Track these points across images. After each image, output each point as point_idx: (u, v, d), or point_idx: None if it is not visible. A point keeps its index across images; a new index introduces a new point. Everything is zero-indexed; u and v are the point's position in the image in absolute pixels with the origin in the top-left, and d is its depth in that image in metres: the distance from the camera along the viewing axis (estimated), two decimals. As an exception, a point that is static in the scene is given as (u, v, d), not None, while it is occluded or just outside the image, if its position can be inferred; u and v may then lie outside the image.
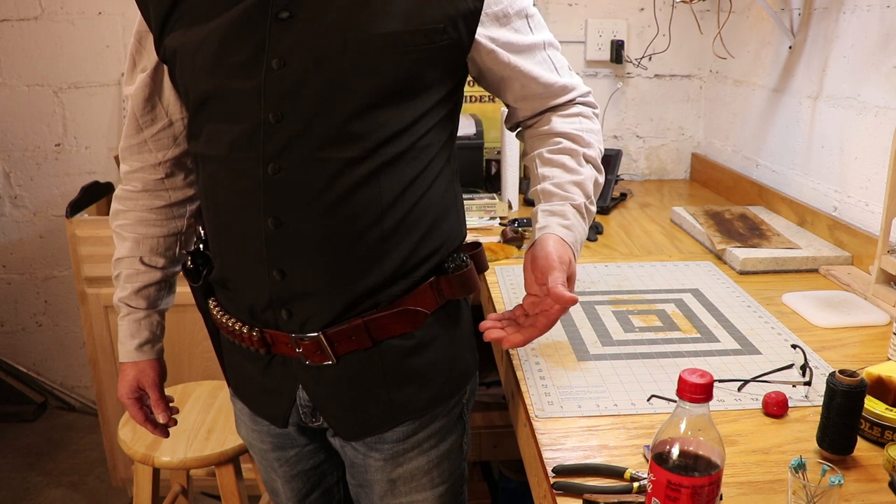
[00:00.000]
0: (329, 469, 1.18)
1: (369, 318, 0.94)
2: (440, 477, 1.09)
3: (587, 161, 1.04)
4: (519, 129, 1.13)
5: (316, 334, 0.95)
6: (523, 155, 1.12)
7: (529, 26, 1.00)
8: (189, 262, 1.10)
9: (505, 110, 1.12)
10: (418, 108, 0.92)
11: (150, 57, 0.99)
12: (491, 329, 0.98)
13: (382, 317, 0.95)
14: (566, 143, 1.03)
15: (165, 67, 0.99)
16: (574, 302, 0.89)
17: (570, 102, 1.06)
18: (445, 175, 0.99)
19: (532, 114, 1.07)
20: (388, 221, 0.92)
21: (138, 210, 1.11)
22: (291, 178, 0.88)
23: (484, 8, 0.93)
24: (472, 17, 0.93)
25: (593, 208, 1.03)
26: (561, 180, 1.00)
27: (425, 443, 1.06)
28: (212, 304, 1.07)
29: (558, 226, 0.96)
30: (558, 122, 1.04)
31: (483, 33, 0.95)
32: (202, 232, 1.12)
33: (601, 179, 1.05)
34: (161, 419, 1.19)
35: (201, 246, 1.12)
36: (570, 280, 0.93)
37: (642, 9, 2.31)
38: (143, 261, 1.12)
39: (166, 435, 1.23)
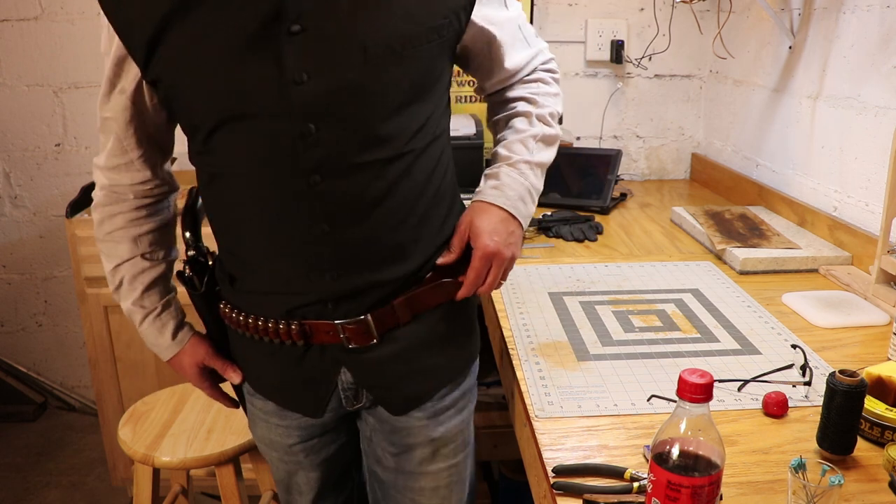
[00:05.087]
0: (349, 451, 1.21)
1: (410, 294, 1.01)
2: (468, 438, 1.18)
3: (539, 119, 1.08)
4: (485, 94, 1.17)
5: (363, 317, 1.00)
6: (487, 120, 1.17)
7: (507, 2, 1.05)
8: (187, 271, 1.09)
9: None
10: (433, 100, 0.99)
11: (131, 79, 0.95)
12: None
13: (421, 292, 1.02)
14: (521, 106, 1.09)
15: (146, 89, 0.96)
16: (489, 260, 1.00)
17: (533, 71, 1.12)
18: (449, 154, 1.07)
19: (500, 87, 1.12)
20: (421, 207, 1.00)
21: (127, 211, 1.08)
22: (334, 186, 0.92)
23: None
24: (470, 4, 0.97)
25: (539, 157, 1.07)
26: (509, 140, 1.06)
27: (460, 401, 1.13)
28: (225, 308, 1.07)
29: (489, 189, 1.03)
30: (518, 89, 1.10)
31: (475, 13, 0.99)
32: (188, 236, 1.12)
33: (550, 132, 1.09)
34: (237, 379, 1.15)
35: (191, 252, 1.11)
36: (493, 239, 1.01)
37: (642, 9, 2.31)
38: (144, 257, 1.10)
39: (238, 405, 1.23)
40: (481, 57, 1.06)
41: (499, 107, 1.12)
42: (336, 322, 1.00)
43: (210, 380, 1.18)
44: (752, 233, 1.72)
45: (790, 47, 1.89)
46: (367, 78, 0.89)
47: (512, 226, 1.02)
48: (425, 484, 1.14)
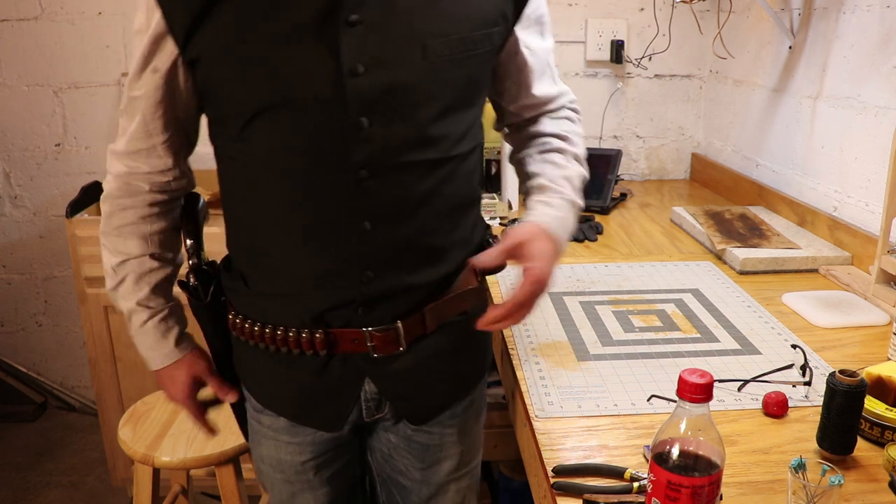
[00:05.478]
0: (357, 467, 1.17)
1: (440, 301, 1.00)
2: (481, 437, 1.20)
3: (575, 160, 1.08)
4: (505, 130, 1.17)
5: (395, 325, 0.97)
6: (511, 154, 1.15)
7: (543, 32, 1.05)
8: (191, 280, 1.05)
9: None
10: (475, 108, 0.99)
11: (166, 58, 0.91)
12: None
13: (449, 300, 1.01)
14: (556, 143, 1.08)
15: (182, 69, 0.92)
16: (541, 286, 0.95)
17: (560, 108, 1.12)
18: (482, 166, 1.08)
19: (526, 118, 1.12)
20: (457, 213, 0.99)
21: (140, 206, 1.02)
22: (381, 183, 0.90)
23: (524, 9, 0.98)
24: (514, 17, 0.98)
25: (581, 203, 1.07)
26: (553, 175, 1.04)
27: (477, 403, 1.15)
28: (236, 318, 1.02)
29: (550, 218, 1.00)
30: (548, 124, 1.10)
31: (514, 35, 1.00)
32: (191, 244, 1.08)
33: (586, 176, 1.10)
34: (232, 398, 1.12)
35: (194, 260, 1.07)
36: (543, 275, 0.96)
37: (642, 9, 2.31)
38: (154, 257, 1.05)
39: (215, 433, 1.19)
40: (510, 79, 1.05)
41: (527, 141, 1.11)
42: (364, 329, 0.96)
43: (197, 402, 1.14)
44: (752, 233, 1.72)
45: (790, 47, 1.89)
46: (425, 76, 0.89)
47: (555, 264, 0.98)
48: (452, 490, 1.15)
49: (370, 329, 0.96)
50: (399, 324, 0.97)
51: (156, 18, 0.88)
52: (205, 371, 1.11)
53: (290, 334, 0.97)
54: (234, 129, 0.91)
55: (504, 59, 1.02)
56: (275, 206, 0.93)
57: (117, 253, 1.04)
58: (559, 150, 1.07)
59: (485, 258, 0.98)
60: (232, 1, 0.84)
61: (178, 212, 1.08)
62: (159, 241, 1.05)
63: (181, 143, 1.00)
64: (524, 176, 1.09)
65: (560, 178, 1.04)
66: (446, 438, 1.10)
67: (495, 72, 1.03)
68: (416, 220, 0.94)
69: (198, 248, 1.08)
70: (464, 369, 1.08)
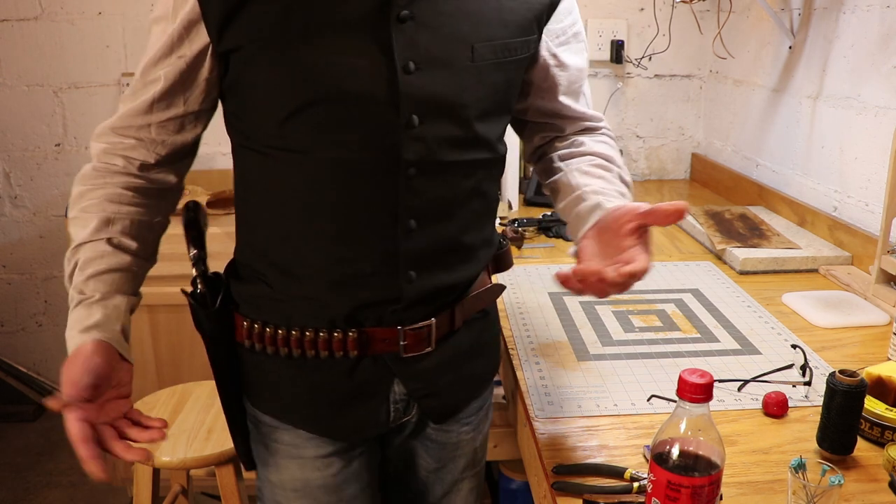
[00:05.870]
0: (377, 472, 1.12)
1: (466, 300, 1.00)
2: (489, 436, 1.20)
3: (622, 181, 1.02)
4: (540, 157, 1.11)
5: (429, 322, 0.96)
6: (546, 172, 1.08)
7: (579, 50, 1.04)
8: (199, 287, 0.96)
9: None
10: (509, 113, 1.00)
11: (195, 47, 0.86)
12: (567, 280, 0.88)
13: (473, 297, 1.01)
14: (601, 161, 1.03)
15: (209, 60, 0.87)
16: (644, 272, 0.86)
17: (600, 129, 1.09)
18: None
19: (558, 135, 1.09)
20: (487, 213, 1.02)
21: (110, 187, 0.93)
22: (428, 182, 0.90)
23: (551, 23, 0.98)
24: (548, 17, 0.97)
25: None
26: (606, 188, 0.97)
27: (488, 402, 1.16)
28: (254, 324, 0.95)
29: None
30: (591, 143, 1.06)
31: (547, 48, 0.99)
32: (196, 253, 1.00)
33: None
34: (157, 437, 0.91)
35: (199, 268, 0.98)
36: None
37: (642, 9, 2.31)
38: (111, 241, 0.92)
39: (107, 474, 0.90)
40: (541, 89, 1.03)
41: (569, 158, 1.05)
42: (399, 328, 0.94)
43: (90, 427, 0.92)
44: (752, 233, 1.72)
45: (790, 47, 1.89)
46: (472, 78, 0.89)
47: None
48: (465, 489, 1.16)
49: (404, 328, 0.94)
50: (433, 321, 0.96)
51: (188, 5, 0.84)
52: (100, 372, 0.88)
53: (321, 335, 0.93)
54: (272, 124, 0.87)
55: (539, 70, 1.00)
56: (314, 204, 0.89)
57: (75, 238, 0.93)
58: (606, 168, 1.01)
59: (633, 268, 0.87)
60: None
61: (159, 215, 0.99)
62: (122, 227, 0.93)
63: (175, 133, 0.93)
64: (571, 188, 0.99)
65: (613, 192, 0.96)
66: (462, 436, 1.10)
67: (528, 84, 1.02)
68: (457, 220, 0.95)
69: (203, 257, 1.00)
70: (480, 367, 1.09)
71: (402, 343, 0.95)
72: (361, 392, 0.97)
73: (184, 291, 0.97)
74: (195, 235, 1.02)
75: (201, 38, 0.86)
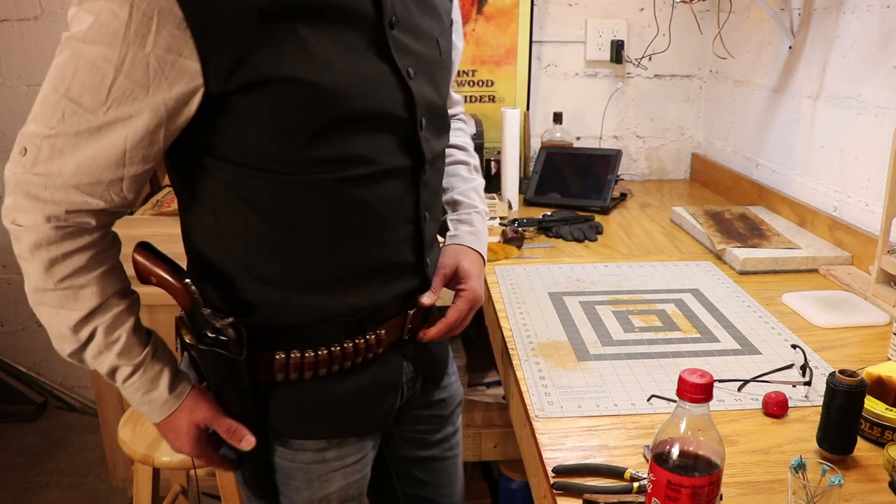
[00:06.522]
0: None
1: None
2: None
3: (476, 171, 1.18)
4: None
5: (433, 299, 1.03)
6: None
7: (460, 33, 1.12)
8: (230, 335, 0.88)
9: (506, 110, 1.23)
10: None
11: (181, 86, 0.76)
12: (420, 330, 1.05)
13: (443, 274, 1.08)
14: (458, 154, 1.17)
15: (197, 100, 0.77)
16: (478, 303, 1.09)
17: (459, 113, 1.21)
18: None
19: None
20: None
21: (89, 248, 0.83)
22: (430, 176, 0.98)
23: (454, 9, 1.06)
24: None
25: (485, 209, 1.18)
26: (463, 188, 1.14)
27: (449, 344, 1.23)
28: (287, 356, 0.92)
29: (468, 234, 1.11)
30: (451, 134, 1.14)
31: (455, 34, 1.08)
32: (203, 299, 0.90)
33: (483, 184, 1.21)
34: (247, 444, 0.92)
35: (206, 312, 0.89)
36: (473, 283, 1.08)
37: (642, 9, 2.31)
38: (118, 295, 0.86)
39: (237, 466, 1.00)
40: None
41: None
42: (409, 312, 1.00)
43: (211, 447, 0.95)
44: (752, 233, 1.72)
45: (790, 47, 1.89)
46: (443, 70, 0.98)
47: (484, 270, 1.12)
48: (460, 424, 1.24)
49: (411, 311, 1.01)
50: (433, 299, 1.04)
51: (167, 36, 0.74)
52: (209, 413, 0.92)
53: (359, 342, 0.94)
54: (297, 147, 0.82)
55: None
56: (345, 216, 0.88)
57: (72, 310, 0.83)
58: (464, 163, 1.17)
59: (429, 300, 1.02)
60: (297, 19, 0.78)
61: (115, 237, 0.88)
62: (117, 276, 0.86)
63: (145, 179, 0.83)
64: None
65: (470, 192, 1.14)
66: (452, 386, 1.19)
67: None
68: (439, 204, 1.05)
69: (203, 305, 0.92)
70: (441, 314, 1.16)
71: (409, 326, 1.01)
72: (383, 383, 1.01)
73: (205, 346, 0.88)
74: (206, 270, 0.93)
75: (190, 74, 0.75)
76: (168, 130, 0.79)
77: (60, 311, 0.83)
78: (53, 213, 0.79)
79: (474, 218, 1.13)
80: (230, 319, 0.88)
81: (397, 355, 1.03)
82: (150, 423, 1.52)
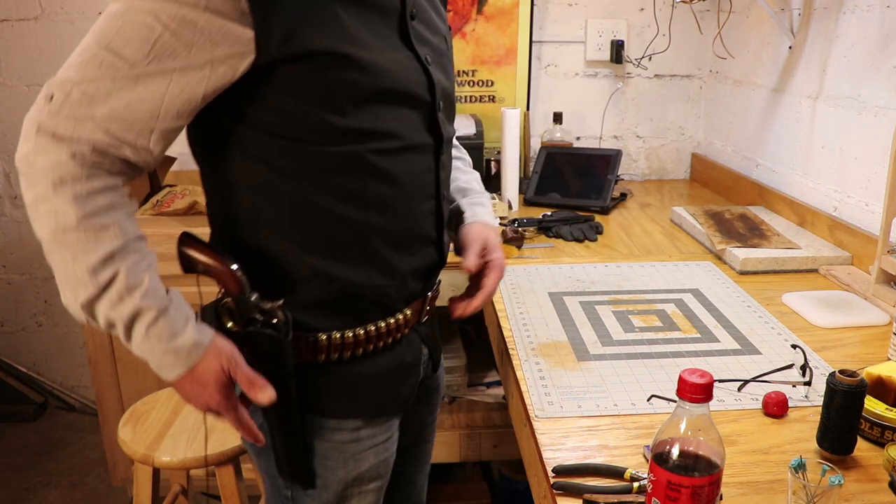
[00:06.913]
0: None
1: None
2: None
3: (470, 167, 1.25)
4: None
5: (440, 280, 1.10)
6: None
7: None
8: (279, 318, 0.88)
9: (506, 110, 1.26)
10: None
11: (228, 48, 0.78)
12: (456, 307, 1.11)
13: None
14: (454, 151, 1.20)
15: (244, 65, 0.80)
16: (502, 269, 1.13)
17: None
18: None
19: None
20: None
21: (120, 186, 0.82)
22: (445, 157, 1.04)
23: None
24: None
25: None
26: (467, 178, 1.21)
27: None
28: (331, 338, 0.94)
29: (486, 214, 1.17)
30: None
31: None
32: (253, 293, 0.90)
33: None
34: (264, 397, 0.88)
35: (254, 297, 0.90)
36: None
37: (642, 9, 2.31)
38: (140, 240, 0.83)
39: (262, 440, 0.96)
40: None
41: None
42: (428, 294, 1.06)
43: (237, 402, 0.91)
44: (752, 233, 1.72)
45: (790, 47, 1.89)
46: (451, 63, 1.05)
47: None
48: (435, 427, 1.28)
49: (429, 293, 1.07)
50: (440, 280, 1.10)
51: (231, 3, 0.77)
52: (235, 355, 0.87)
53: (390, 322, 0.99)
54: (332, 118, 0.85)
55: None
56: (375, 188, 0.92)
57: (92, 252, 0.78)
58: (461, 159, 1.23)
59: (472, 263, 1.08)
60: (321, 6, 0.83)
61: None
62: (135, 223, 0.84)
63: (175, 136, 0.84)
64: None
65: (474, 182, 1.21)
66: (442, 375, 1.24)
67: None
68: (449, 187, 1.12)
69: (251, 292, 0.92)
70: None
71: (427, 308, 1.06)
72: (413, 362, 1.07)
73: (252, 331, 0.89)
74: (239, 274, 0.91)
75: (236, 39, 0.79)
76: (208, 90, 0.80)
77: (79, 254, 0.78)
78: (80, 150, 0.77)
79: (486, 202, 1.19)
80: (280, 301, 0.89)
81: (417, 336, 1.08)
82: (151, 423, 1.53)
